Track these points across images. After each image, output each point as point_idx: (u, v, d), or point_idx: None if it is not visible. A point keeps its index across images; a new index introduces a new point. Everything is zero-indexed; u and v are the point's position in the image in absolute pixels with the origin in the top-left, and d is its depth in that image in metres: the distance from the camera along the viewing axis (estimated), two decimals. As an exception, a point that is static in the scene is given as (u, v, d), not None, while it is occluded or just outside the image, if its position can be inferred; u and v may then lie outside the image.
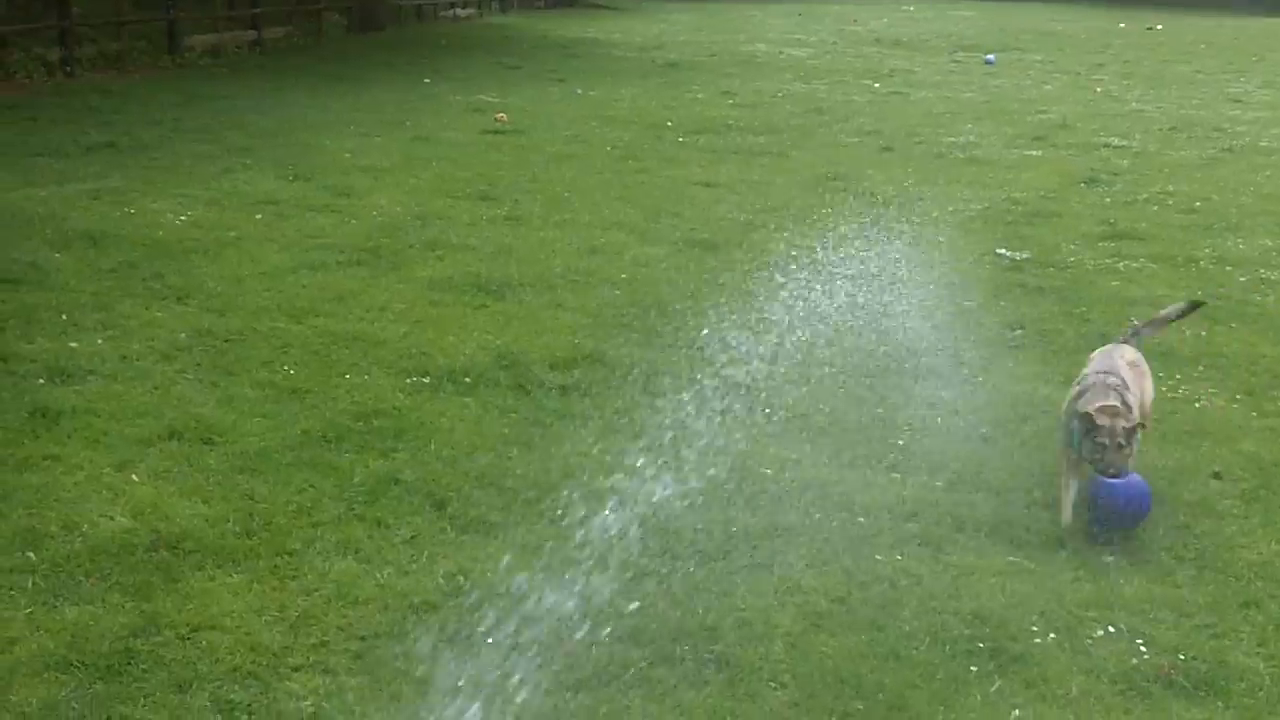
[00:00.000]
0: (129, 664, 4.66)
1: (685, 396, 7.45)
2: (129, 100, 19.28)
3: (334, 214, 11.88)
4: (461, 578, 5.32)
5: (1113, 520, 5.85)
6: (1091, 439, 5.79)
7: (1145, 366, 6.56)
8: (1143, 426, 6.00)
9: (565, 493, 6.06)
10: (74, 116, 17.30)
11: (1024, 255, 11.10)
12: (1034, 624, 5.18)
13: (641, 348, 8.31)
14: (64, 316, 8.45)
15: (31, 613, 4.95)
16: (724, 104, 21.47)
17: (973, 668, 4.86)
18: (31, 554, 5.36)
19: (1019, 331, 8.97)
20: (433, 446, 6.63)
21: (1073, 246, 11.52)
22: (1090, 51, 35.72)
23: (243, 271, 9.74)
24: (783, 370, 7.87)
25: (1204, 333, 9.00)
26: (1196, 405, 7.67)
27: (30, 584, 5.14)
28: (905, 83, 25.59)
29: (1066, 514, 5.96)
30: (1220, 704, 4.73)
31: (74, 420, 6.79)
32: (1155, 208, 13.46)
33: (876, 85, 25.00)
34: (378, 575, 5.34)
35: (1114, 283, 10.30)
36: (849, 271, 10.18)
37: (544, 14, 54.56)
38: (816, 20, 49.22)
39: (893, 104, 22.17)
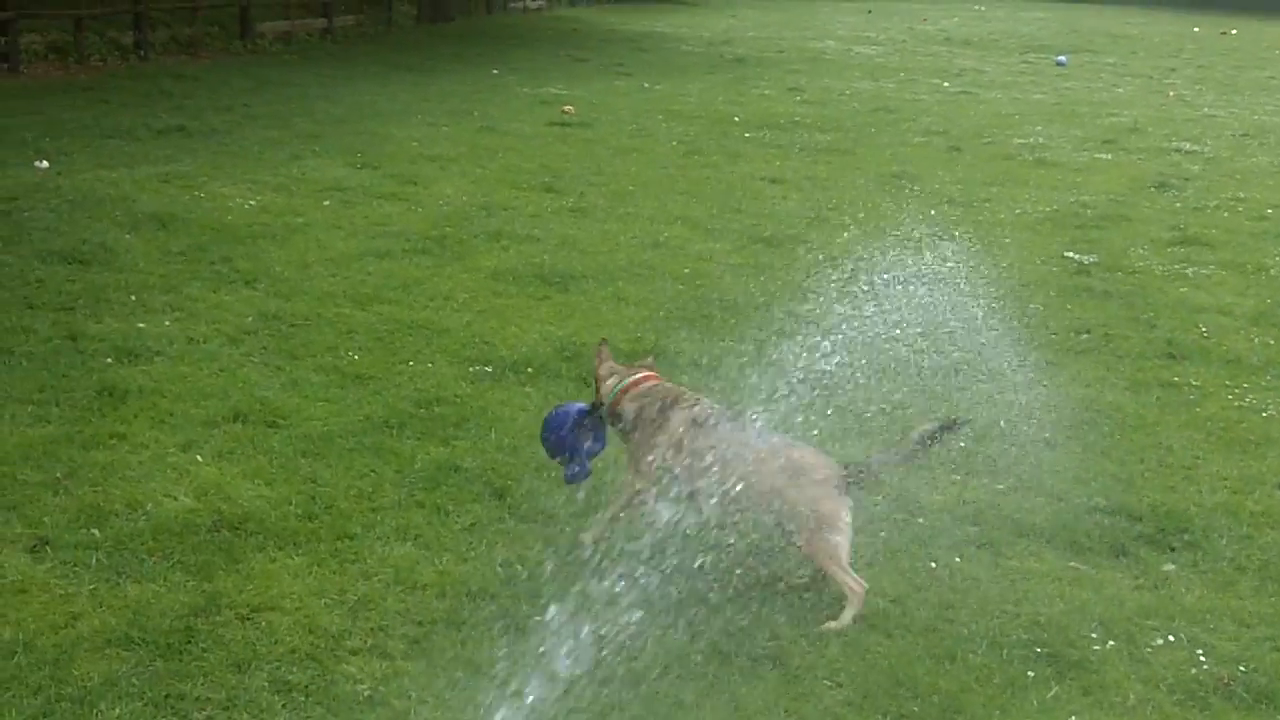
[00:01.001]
0: (189, 642, 4.72)
1: (746, 392, 7.43)
2: (200, 85, 19.47)
3: (400, 202, 11.95)
4: (519, 566, 5.34)
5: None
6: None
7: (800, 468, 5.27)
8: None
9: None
10: (146, 100, 17.49)
11: (1091, 259, 10.99)
12: (1093, 631, 5.14)
13: (702, 342, 8.30)
14: (133, 297, 8.55)
15: (95, 589, 5.01)
16: (791, 100, 21.40)
17: (1030, 673, 4.83)
18: (96, 531, 5.43)
19: (1085, 335, 8.89)
20: (493, 435, 6.66)
21: (1141, 251, 11.40)
22: (1163, 55, 35.31)
23: (309, 257, 9.82)
24: (844, 369, 7.84)
25: (1273, 341, 8.89)
26: (1263, 415, 7.57)
27: (94, 560, 5.20)
28: (975, 83, 25.40)
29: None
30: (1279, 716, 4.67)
31: (141, 400, 6.87)
32: (1226, 214, 13.30)
33: (945, 84, 24.83)
34: (436, 561, 5.37)
35: (1182, 289, 10.18)
36: (913, 271, 10.12)
37: (613, 7, 54.55)
38: (886, 18, 48.90)
39: (961, 104, 22.00)
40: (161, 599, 4.98)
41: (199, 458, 6.21)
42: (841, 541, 5.11)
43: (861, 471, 5.27)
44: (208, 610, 4.92)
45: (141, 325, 8.02)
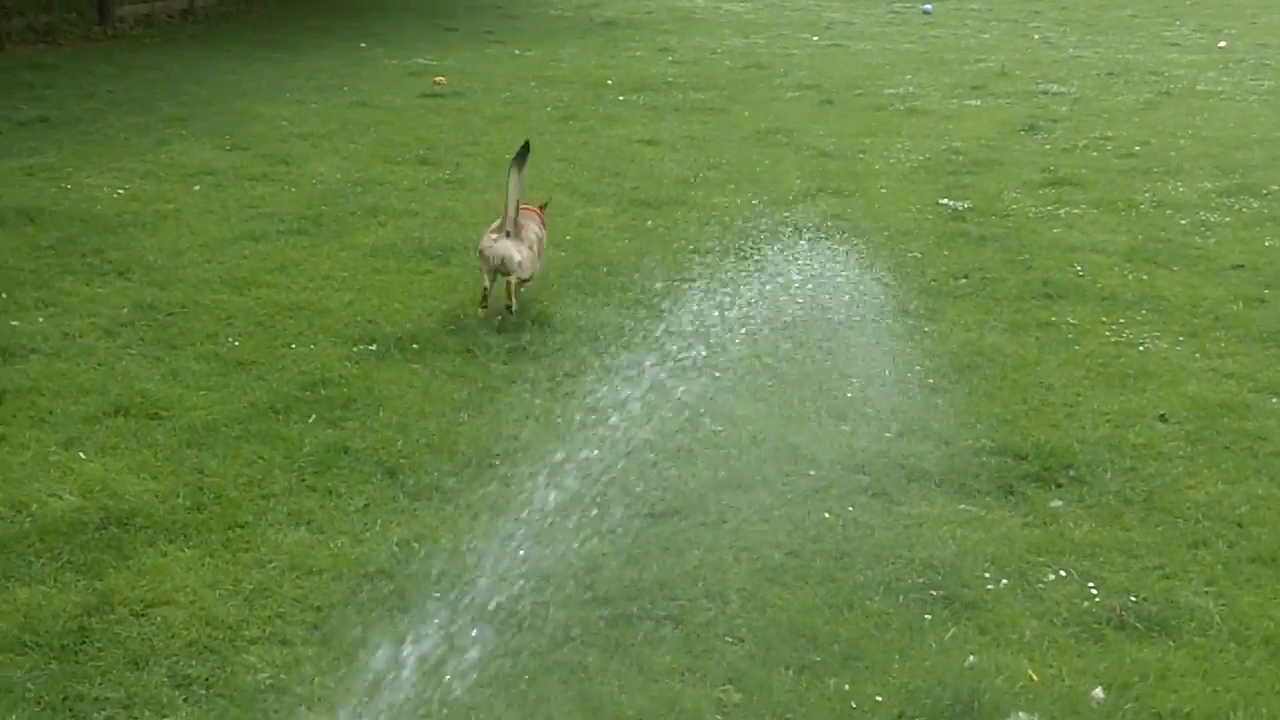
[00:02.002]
0: (84, 642, 4.63)
1: (633, 356, 7.45)
2: (61, 73, 18.97)
3: (273, 183, 11.75)
4: (415, 544, 5.32)
5: None
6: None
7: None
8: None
9: (516, 456, 6.07)
10: (4, 92, 16.99)
11: (966, 205, 11.14)
12: (986, 571, 5.24)
13: (589, 308, 8.29)
14: (3, 295, 8.33)
15: (-18, 595, 4.91)
16: (663, 61, 21.38)
17: (927, 616, 4.91)
18: (-21, 536, 5.31)
19: (963, 280, 9.02)
20: (382, 414, 6.61)
21: (1014, 195, 11.58)
22: (1026, -1, 35.78)
23: (183, 244, 9.63)
24: (729, 326, 7.89)
25: (1146, 276, 9.10)
26: (1140, 349, 7.75)
27: (-21, 566, 5.09)
28: (844, 35, 25.56)
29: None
30: (1172, 643, 4.80)
31: (18, 399, 6.72)
32: (1095, 153, 13.54)
33: (815, 39, 24.95)
34: (331, 545, 5.32)
35: (1055, 230, 10.37)
36: (792, 226, 10.21)
37: (479, -26, 54.04)
38: (753, -26, 49.01)
39: (832, 57, 22.14)
40: (53, 600, 4.89)
41: (82, 455, 6.09)
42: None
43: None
44: (101, 609, 4.83)
45: (14, 323, 7.82)
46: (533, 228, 8.16)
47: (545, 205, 8.81)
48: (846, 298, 8.26)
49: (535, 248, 8.10)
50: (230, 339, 7.67)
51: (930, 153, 13.49)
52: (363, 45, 23.02)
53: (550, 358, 7.45)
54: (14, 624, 4.72)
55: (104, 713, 4.28)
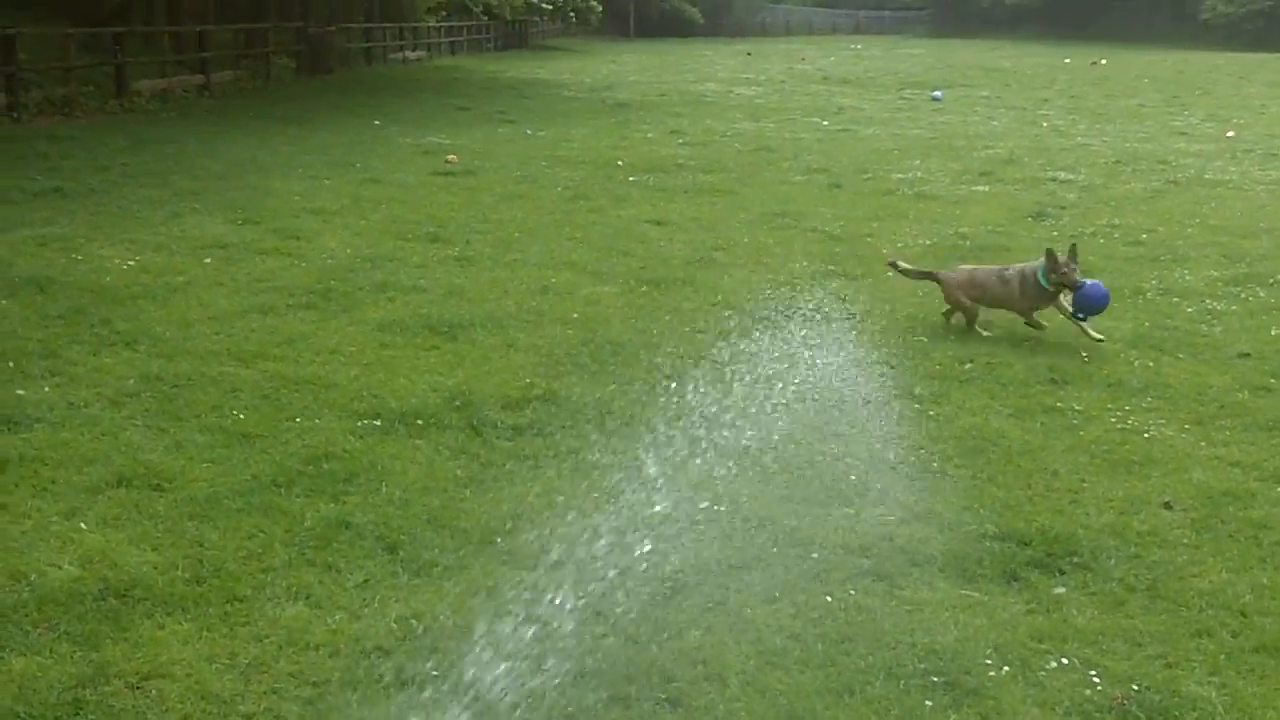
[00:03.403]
0: (77, 714, 4.60)
1: (637, 435, 7.45)
2: (76, 145, 19.18)
3: (283, 257, 11.83)
4: (414, 621, 5.28)
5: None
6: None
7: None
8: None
9: (518, 535, 6.05)
10: (21, 162, 17.18)
11: (973, 290, 11.13)
12: (988, 657, 5.19)
13: (594, 386, 8.30)
14: (10, 364, 8.37)
15: (-23, 664, 4.88)
16: (674, 143, 21.57)
17: (928, 702, 4.86)
18: (-23, 604, 5.29)
19: (969, 365, 9.02)
20: (384, 489, 6.60)
21: (1021, 280, 11.58)
22: (1036, 87, 36.11)
23: (191, 316, 9.68)
24: (734, 407, 7.89)
25: (1152, 363, 9.09)
26: (1145, 436, 7.73)
27: (-24, 635, 5.06)
28: (853, 120, 25.79)
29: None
30: (1174, 733, 4.74)
31: (21, 468, 6.72)
32: (1102, 240, 13.60)
33: (825, 123, 25.17)
34: (329, 620, 5.29)
35: (1060, 316, 10.36)
36: (799, 308, 10.23)
37: (494, 55, 54.66)
38: (765, 59, 49.53)
39: (841, 141, 22.32)
40: (48, 671, 4.86)
41: (83, 525, 6.08)
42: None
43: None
44: (96, 680, 4.80)
45: (20, 392, 7.84)
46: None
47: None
48: (853, 380, 8.26)
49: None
50: (235, 412, 7.68)
51: (938, 237, 13.55)
52: (376, 123, 23.26)
53: (554, 435, 7.44)
54: (8, 694, 4.69)
55: (95, 786, 4.24)
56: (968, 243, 13.28)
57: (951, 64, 49.33)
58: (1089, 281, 9.58)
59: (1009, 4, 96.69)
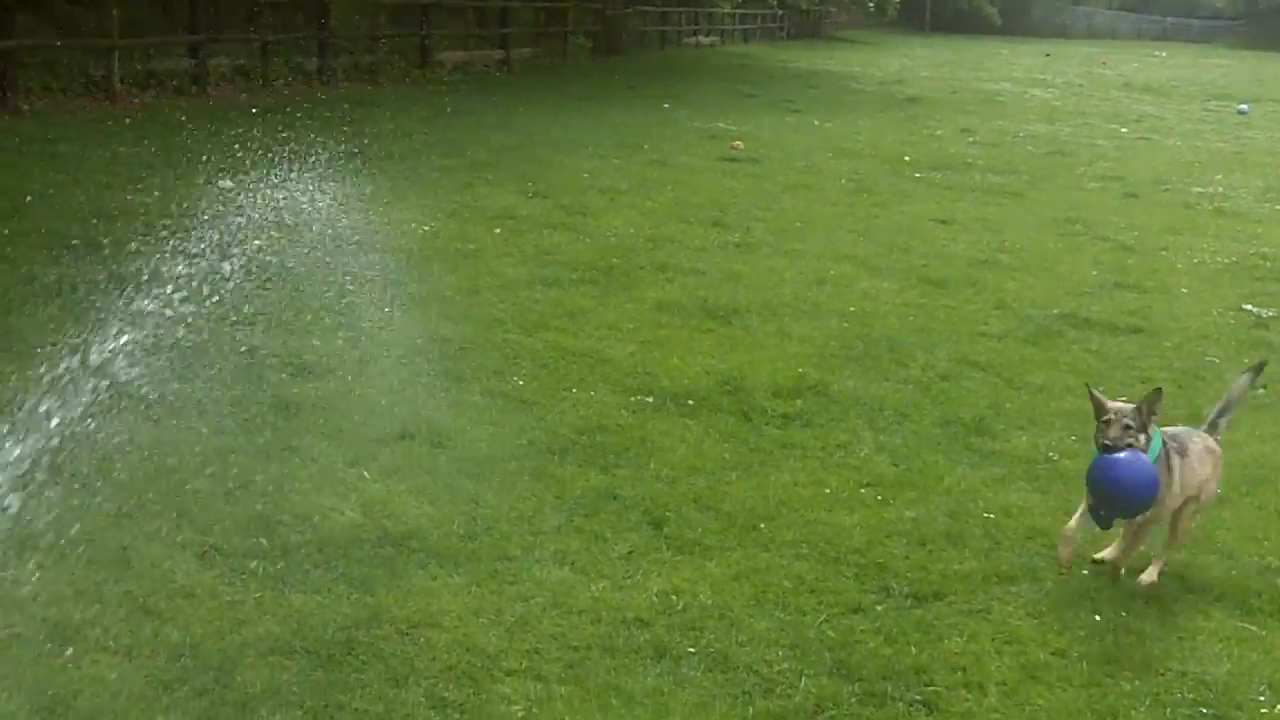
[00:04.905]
0: (349, 654, 4.79)
1: (907, 433, 7.36)
2: (380, 111, 19.93)
3: (569, 232, 12.08)
4: (674, 597, 5.34)
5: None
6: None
7: (1219, 453, 6.08)
8: (1197, 499, 5.90)
9: (781, 522, 6.05)
10: (327, 124, 17.95)
11: (1270, 313, 10.66)
12: (1261, 694, 4.96)
13: (866, 381, 8.23)
14: (308, 318, 8.76)
15: (260, 597, 5.13)
16: (963, 141, 21.20)
17: (1195, 734, 4.69)
18: (264, 540, 5.56)
19: (1261, 391, 8.61)
20: (653, 465, 6.68)
21: (1325, 306, 11.03)
22: (1354, 105, 34.17)
23: (479, 283, 9.98)
24: (1008, 416, 7.73)
25: None
26: None
27: (261, 570, 5.32)
28: (1153, 129, 24.89)
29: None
30: None
31: (313, 415, 7.03)
32: None
33: (1123, 130, 24.37)
34: (593, 588, 5.39)
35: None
36: (1085, 318, 9.95)
37: (785, 44, 54.62)
38: (1064, 61, 48.21)
39: (1139, 150, 21.58)
40: (324, 610, 5.08)
41: (366, 474, 6.33)
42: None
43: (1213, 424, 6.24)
44: (368, 623, 5.00)
45: (316, 343, 8.20)
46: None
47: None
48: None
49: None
50: (515, 378, 7.88)
51: (1237, 255, 12.98)
52: (666, 106, 23.51)
53: (823, 427, 7.41)
54: (286, 629, 4.92)
55: (362, 725, 4.42)
56: (1268, 263, 12.68)
57: (1261, 77, 47.14)
58: (1126, 452, 5.54)
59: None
